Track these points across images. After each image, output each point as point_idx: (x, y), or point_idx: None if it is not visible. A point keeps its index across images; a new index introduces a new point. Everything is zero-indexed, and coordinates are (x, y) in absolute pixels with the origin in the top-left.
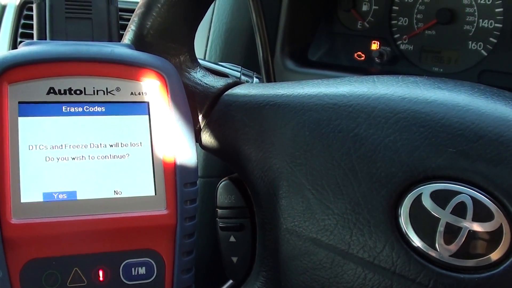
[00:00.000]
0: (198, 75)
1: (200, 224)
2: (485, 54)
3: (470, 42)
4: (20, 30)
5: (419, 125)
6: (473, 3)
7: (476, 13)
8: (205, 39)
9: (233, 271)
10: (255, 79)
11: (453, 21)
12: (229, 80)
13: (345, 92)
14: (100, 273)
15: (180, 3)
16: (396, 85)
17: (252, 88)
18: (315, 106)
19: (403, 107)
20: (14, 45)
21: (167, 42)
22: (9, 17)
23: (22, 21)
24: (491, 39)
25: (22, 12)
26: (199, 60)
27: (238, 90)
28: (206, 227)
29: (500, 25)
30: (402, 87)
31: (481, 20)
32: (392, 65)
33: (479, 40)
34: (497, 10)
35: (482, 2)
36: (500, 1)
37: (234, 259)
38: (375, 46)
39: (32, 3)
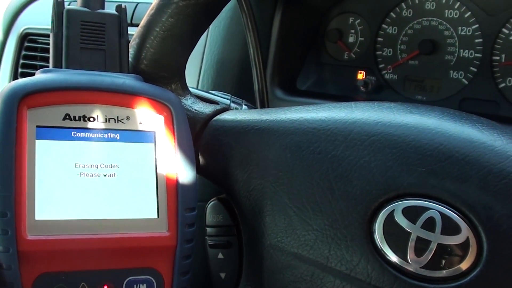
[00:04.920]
0: (189, 102)
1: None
2: (466, 82)
3: (451, 71)
4: (21, 61)
5: (392, 147)
6: (454, 34)
7: (456, 44)
8: (198, 69)
9: (222, 287)
10: (244, 106)
11: (435, 51)
12: (218, 107)
13: (324, 117)
14: None
15: (171, 36)
16: (372, 110)
17: (239, 114)
18: (296, 130)
19: (377, 130)
20: (15, 75)
21: (160, 71)
22: (10, 48)
23: (23, 52)
24: (471, 68)
25: (23, 43)
26: (191, 89)
27: (225, 116)
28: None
29: (480, 55)
30: (377, 112)
31: (461, 50)
32: (377, 93)
33: (460, 69)
34: (476, 40)
35: (462, 33)
36: (480, 32)
37: (223, 275)
38: (361, 75)
39: (32, 35)
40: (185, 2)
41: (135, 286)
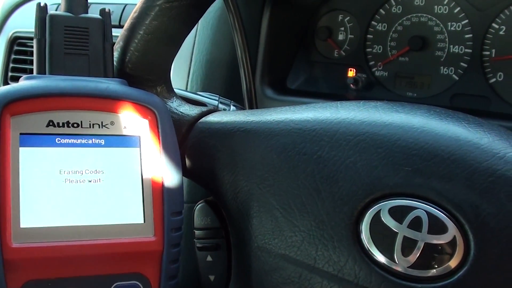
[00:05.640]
0: (174, 105)
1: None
2: (456, 78)
3: (441, 67)
4: (11, 65)
5: (377, 146)
6: (444, 30)
7: (446, 40)
8: (187, 70)
9: None
10: (232, 107)
11: (425, 47)
12: (203, 109)
13: (310, 117)
14: None
15: (156, 39)
16: (357, 110)
17: (224, 116)
18: (281, 131)
19: (363, 130)
20: (5, 79)
21: (145, 74)
22: (0, 52)
23: (13, 56)
24: (461, 64)
25: (13, 47)
26: (179, 91)
27: (211, 118)
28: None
29: (470, 50)
30: (363, 112)
31: (451, 46)
32: (368, 91)
33: (450, 65)
34: (466, 36)
35: (452, 29)
36: (469, 28)
37: (212, 277)
38: (351, 73)
39: (22, 38)
40: (168, 4)
41: None
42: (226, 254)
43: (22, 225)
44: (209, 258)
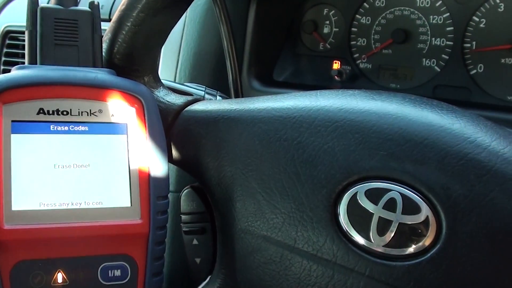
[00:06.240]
0: (161, 94)
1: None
2: (438, 70)
3: (424, 59)
4: (3, 58)
5: (354, 132)
6: (426, 23)
7: (428, 32)
8: (175, 62)
9: (198, 271)
10: (219, 97)
11: (408, 40)
12: (189, 98)
13: (290, 105)
14: (81, 274)
15: (143, 31)
16: (335, 98)
17: (209, 104)
18: (263, 118)
19: (340, 117)
20: None
21: (132, 65)
22: None
23: (5, 50)
24: (443, 56)
25: (5, 41)
26: (168, 82)
27: (196, 107)
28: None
29: (451, 43)
30: (341, 99)
31: (433, 39)
32: (352, 82)
33: (432, 57)
34: (448, 29)
35: (434, 22)
36: (451, 21)
37: (198, 260)
38: (336, 65)
39: (13, 32)
40: None
41: (109, 271)
42: (212, 237)
43: (13, 208)
44: (195, 242)
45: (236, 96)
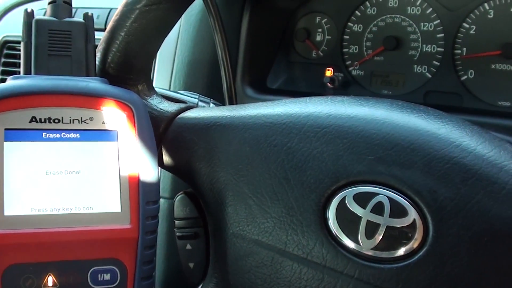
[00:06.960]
0: (154, 102)
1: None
2: (430, 76)
3: (415, 66)
4: (1, 68)
5: (342, 137)
6: (417, 30)
7: (419, 39)
8: (169, 70)
9: (192, 276)
10: (212, 105)
11: (399, 47)
12: (182, 105)
13: (280, 112)
14: (71, 278)
15: (136, 40)
16: (324, 104)
17: (201, 111)
18: (254, 125)
19: (329, 123)
20: None
21: (126, 73)
22: None
23: (3, 60)
24: (434, 62)
25: (3, 51)
26: (162, 90)
27: (189, 114)
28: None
29: (442, 49)
30: (329, 105)
31: (424, 45)
32: (345, 89)
33: (423, 63)
34: (438, 35)
35: (425, 28)
36: (441, 27)
37: (191, 264)
38: (329, 73)
39: (11, 42)
40: (147, 7)
41: (99, 275)
42: (205, 242)
43: (5, 213)
44: (188, 247)
45: (231, 104)
